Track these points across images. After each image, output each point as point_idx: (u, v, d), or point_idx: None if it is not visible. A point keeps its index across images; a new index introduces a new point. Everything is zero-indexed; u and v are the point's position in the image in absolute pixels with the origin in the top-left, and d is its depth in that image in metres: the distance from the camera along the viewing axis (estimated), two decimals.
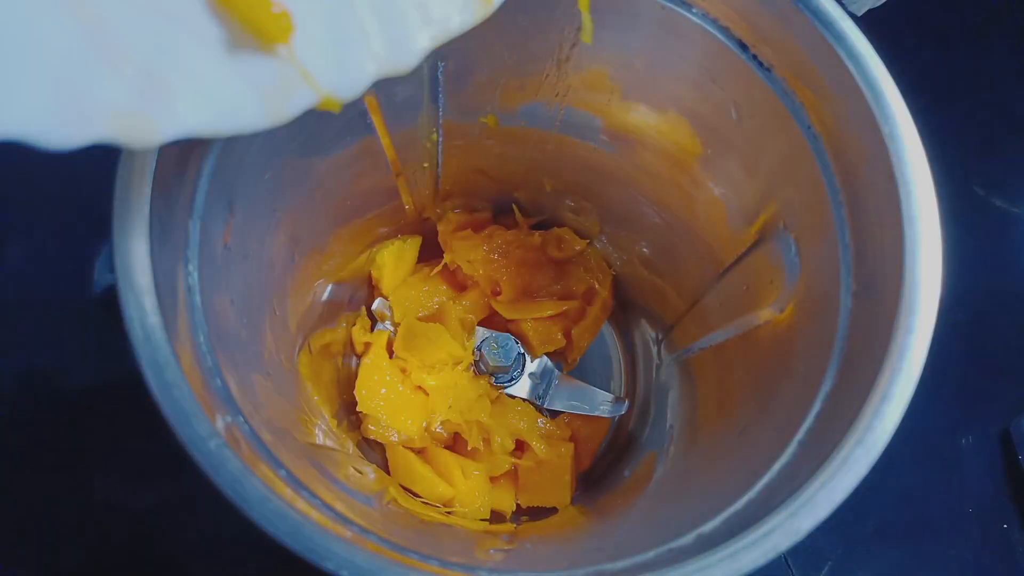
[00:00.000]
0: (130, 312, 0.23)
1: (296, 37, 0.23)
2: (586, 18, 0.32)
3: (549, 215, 0.51)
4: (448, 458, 0.45)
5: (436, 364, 0.46)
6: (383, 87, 0.36)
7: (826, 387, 0.28)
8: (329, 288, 0.46)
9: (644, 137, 0.40)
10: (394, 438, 0.45)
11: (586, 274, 0.51)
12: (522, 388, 0.49)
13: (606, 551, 0.30)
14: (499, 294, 0.49)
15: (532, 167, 0.47)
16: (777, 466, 0.27)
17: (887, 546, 0.45)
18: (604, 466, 0.49)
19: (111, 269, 0.24)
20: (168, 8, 0.21)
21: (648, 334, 0.51)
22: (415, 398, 0.46)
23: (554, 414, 0.49)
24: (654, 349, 0.50)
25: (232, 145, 0.30)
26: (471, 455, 0.45)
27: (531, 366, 0.49)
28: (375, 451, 0.46)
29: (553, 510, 0.45)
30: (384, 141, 0.39)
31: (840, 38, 0.27)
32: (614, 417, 0.49)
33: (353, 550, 0.23)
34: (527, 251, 0.50)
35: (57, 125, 0.18)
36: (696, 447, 0.40)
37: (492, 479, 0.45)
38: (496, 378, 0.48)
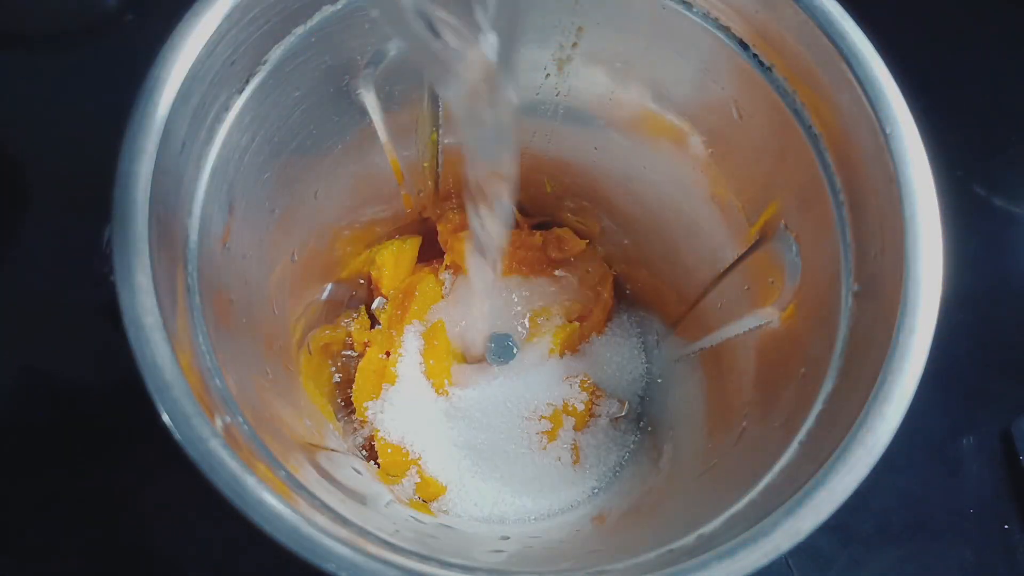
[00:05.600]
0: (129, 312, 0.23)
1: None
2: None
3: (549, 215, 0.51)
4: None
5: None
6: (382, 85, 0.36)
7: (827, 387, 0.28)
8: (329, 288, 0.46)
9: (644, 137, 0.40)
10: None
11: (586, 275, 0.51)
12: None
13: (606, 551, 0.30)
14: None
15: (532, 167, 0.47)
16: (778, 466, 0.27)
17: (888, 546, 0.45)
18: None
19: (110, 269, 0.24)
20: None
21: (648, 334, 0.51)
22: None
23: None
24: (655, 349, 0.50)
25: (232, 145, 0.30)
26: None
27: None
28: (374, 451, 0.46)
29: (556, 513, 0.45)
30: (383, 141, 0.39)
31: (840, 37, 0.27)
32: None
33: (353, 551, 0.23)
34: (527, 251, 0.50)
35: None
36: (697, 447, 0.40)
37: None
38: None
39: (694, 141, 0.37)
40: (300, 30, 0.30)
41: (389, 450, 0.44)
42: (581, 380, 0.47)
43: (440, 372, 0.46)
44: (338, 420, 0.45)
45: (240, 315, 0.32)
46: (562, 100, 0.40)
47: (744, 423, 0.34)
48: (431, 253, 0.51)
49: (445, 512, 0.44)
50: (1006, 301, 0.52)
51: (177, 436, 0.23)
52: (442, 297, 0.49)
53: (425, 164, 0.43)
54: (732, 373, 0.39)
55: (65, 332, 0.47)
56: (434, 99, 0.38)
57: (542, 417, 0.47)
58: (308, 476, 0.28)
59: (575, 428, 0.48)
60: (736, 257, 0.38)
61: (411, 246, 0.49)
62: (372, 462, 0.45)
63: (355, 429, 0.46)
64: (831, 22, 0.28)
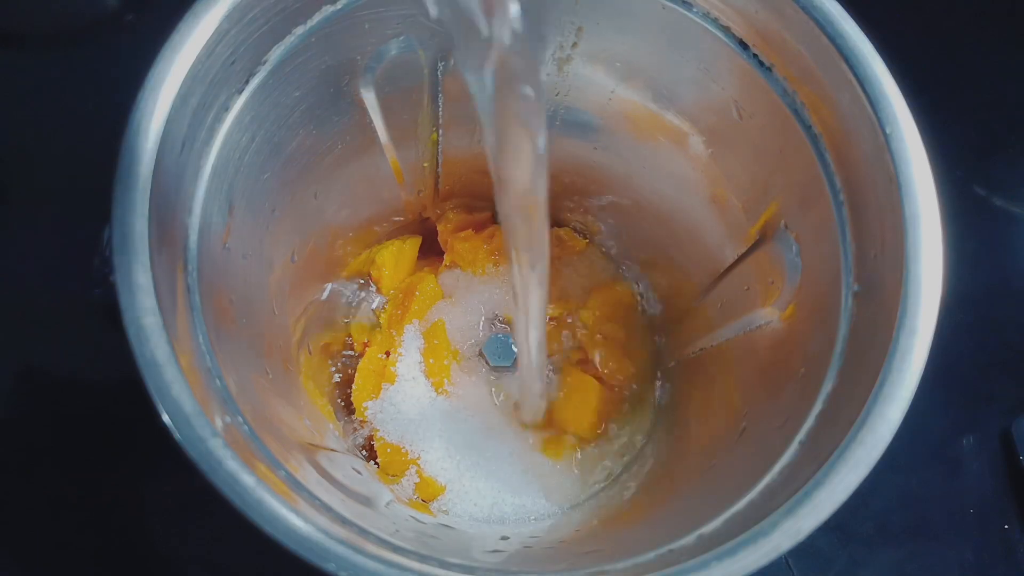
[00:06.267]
0: (129, 312, 0.23)
1: None
2: None
3: (550, 215, 0.51)
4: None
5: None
6: (382, 85, 0.36)
7: (827, 387, 0.28)
8: (329, 288, 0.46)
9: (644, 137, 0.40)
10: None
11: (587, 274, 0.51)
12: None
13: (606, 551, 0.30)
14: None
15: None
16: (778, 466, 0.27)
17: (887, 546, 0.45)
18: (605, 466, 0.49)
19: (110, 269, 0.24)
20: None
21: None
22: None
23: None
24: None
25: (232, 145, 0.30)
26: None
27: None
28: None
29: (556, 513, 0.45)
30: (383, 141, 0.39)
31: (840, 38, 0.27)
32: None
33: (353, 551, 0.23)
34: None
35: None
36: (697, 447, 0.40)
37: None
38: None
39: (694, 141, 0.37)
40: (300, 30, 0.30)
41: (388, 450, 0.44)
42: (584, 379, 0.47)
43: (440, 372, 0.46)
44: (338, 420, 0.45)
45: (240, 315, 0.32)
46: (562, 100, 0.40)
47: (744, 423, 0.34)
48: (431, 253, 0.51)
49: (445, 512, 0.43)
50: (1006, 301, 0.52)
51: (177, 436, 0.23)
52: (442, 297, 0.50)
53: (425, 164, 0.43)
54: (732, 373, 0.39)
55: (65, 332, 0.47)
56: (434, 99, 0.38)
57: (542, 416, 0.47)
58: (308, 476, 0.28)
59: (576, 427, 0.48)
60: (736, 257, 0.38)
61: (411, 246, 0.49)
62: (372, 462, 0.45)
63: (355, 429, 0.46)
64: (831, 22, 0.28)
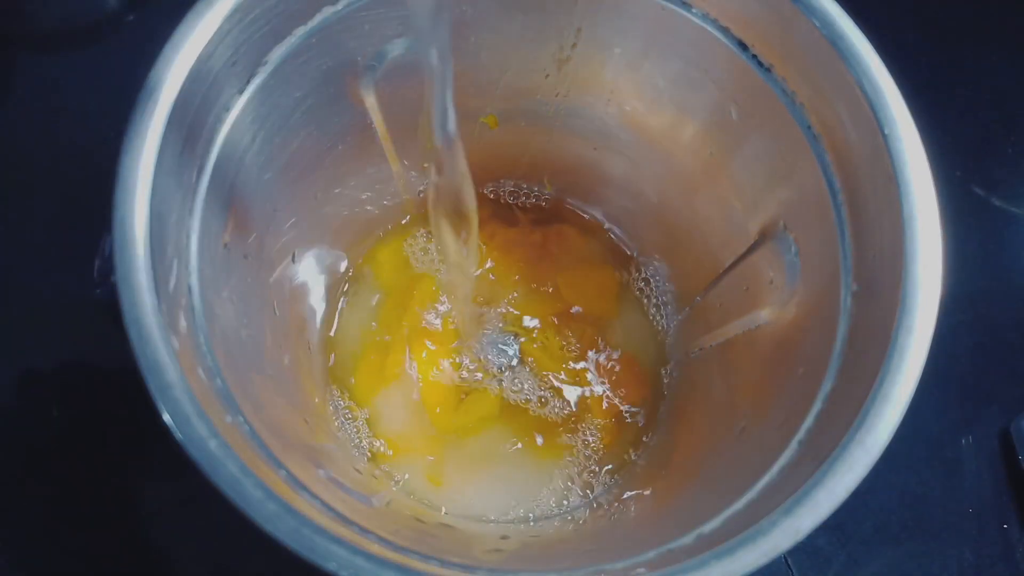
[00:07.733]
0: (130, 312, 0.23)
1: None
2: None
3: (550, 213, 0.51)
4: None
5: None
6: (383, 86, 0.36)
7: (826, 387, 0.28)
8: (329, 287, 0.46)
9: (644, 136, 0.40)
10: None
11: (588, 272, 0.51)
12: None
13: (606, 551, 0.30)
14: None
15: (532, 166, 0.47)
16: (777, 466, 0.27)
17: (887, 546, 0.45)
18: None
19: (111, 269, 0.24)
20: None
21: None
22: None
23: None
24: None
25: (232, 145, 0.30)
26: None
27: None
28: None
29: (556, 513, 0.45)
30: (384, 141, 0.39)
31: (840, 38, 0.27)
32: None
33: (353, 550, 0.23)
34: (528, 250, 0.50)
35: None
36: (696, 447, 0.40)
37: None
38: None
39: (693, 141, 0.37)
40: (301, 31, 0.31)
41: (388, 449, 0.45)
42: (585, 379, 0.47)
43: None
44: (338, 419, 0.45)
45: (240, 315, 0.32)
46: (562, 100, 0.40)
47: (743, 423, 0.34)
48: None
49: (445, 512, 0.44)
50: (1005, 301, 0.52)
51: (178, 436, 0.23)
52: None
53: (426, 165, 0.43)
54: (731, 373, 0.39)
55: (65, 332, 0.47)
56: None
57: (543, 416, 0.47)
58: (308, 476, 0.28)
59: (576, 427, 0.48)
60: (736, 257, 0.38)
61: (411, 246, 0.50)
62: (372, 461, 0.45)
63: (355, 428, 0.46)
64: (830, 22, 0.28)
